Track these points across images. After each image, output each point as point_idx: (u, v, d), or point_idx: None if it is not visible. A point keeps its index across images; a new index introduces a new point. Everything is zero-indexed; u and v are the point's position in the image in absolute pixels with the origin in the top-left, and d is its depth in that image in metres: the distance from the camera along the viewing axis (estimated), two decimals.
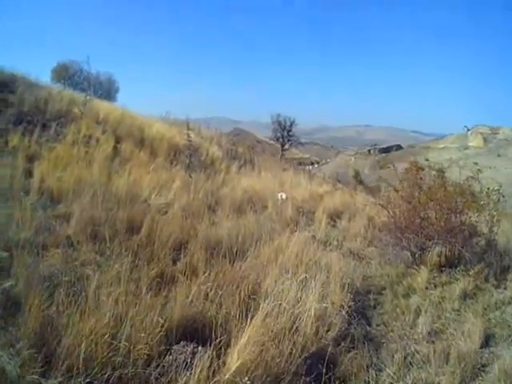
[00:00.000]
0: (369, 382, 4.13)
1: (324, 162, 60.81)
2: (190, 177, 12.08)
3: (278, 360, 3.75)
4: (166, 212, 8.46)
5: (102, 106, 17.15)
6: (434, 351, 4.72)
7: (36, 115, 12.17)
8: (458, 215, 7.83)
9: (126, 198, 8.16)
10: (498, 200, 8.01)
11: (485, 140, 50.62)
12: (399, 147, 60.38)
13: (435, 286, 6.96)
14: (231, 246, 6.71)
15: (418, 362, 4.59)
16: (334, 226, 11.05)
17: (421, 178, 8.29)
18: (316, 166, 56.25)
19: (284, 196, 12.66)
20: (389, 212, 8.40)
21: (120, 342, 3.56)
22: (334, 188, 20.38)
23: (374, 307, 6.22)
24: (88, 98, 15.06)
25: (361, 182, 31.35)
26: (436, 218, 7.79)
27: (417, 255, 7.77)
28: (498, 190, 8.10)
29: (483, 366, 4.63)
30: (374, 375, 4.24)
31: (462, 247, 7.64)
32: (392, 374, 4.22)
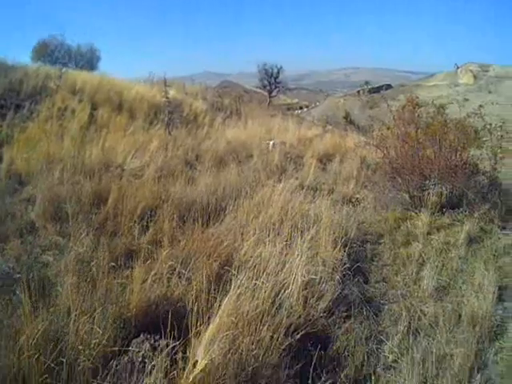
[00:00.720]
0: (368, 359, 3.44)
1: (313, 105, 59.35)
2: (170, 134, 11.26)
3: (255, 351, 3.01)
4: (142, 176, 7.82)
5: (80, 76, 16.15)
6: (443, 312, 4.07)
7: (10, 97, 11.50)
8: (458, 153, 7.04)
9: (98, 167, 7.55)
10: (502, 136, 7.14)
11: (475, 77, 49.45)
12: (389, 86, 58.94)
13: (437, 230, 6.28)
14: (208, 206, 6.02)
15: (425, 327, 3.91)
16: (324, 169, 10.31)
17: (418, 116, 7.42)
18: (305, 109, 54.99)
19: (273, 143, 11.90)
20: (383, 152, 7.57)
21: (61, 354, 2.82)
22: (324, 130, 19.55)
23: (372, 259, 5.52)
24: (63, 70, 14.10)
25: (351, 122, 30.44)
26: (435, 157, 6.98)
27: (415, 197, 7.01)
28: (501, 126, 7.23)
29: (500, 327, 3.97)
30: (375, 349, 3.57)
31: (464, 187, 6.92)
32: (395, 348, 3.52)
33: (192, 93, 21.38)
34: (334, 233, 5.28)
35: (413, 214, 6.80)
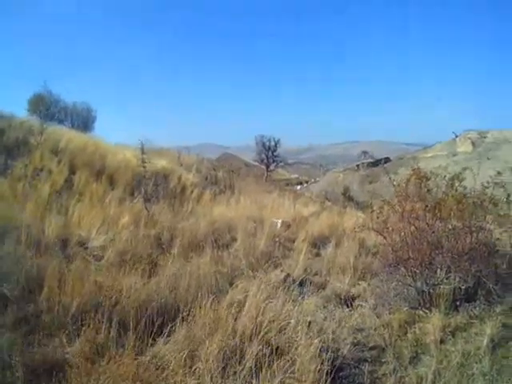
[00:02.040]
0: None
1: (313, 180, 58.73)
2: (147, 210, 9.99)
3: None
4: (102, 258, 6.74)
5: (65, 134, 15.27)
6: None
7: None
8: (475, 233, 5.74)
9: (56, 241, 6.68)
10: None
11: (473, 144, 49.02)
12: (388, 160, 58.48)
13: (452, 335, 4.91)
14: (164, 307, 4.71)
15: None
16: (317, 254, 9.04)
17: (428, 190, 6.20)
18: (305, 185, 54.31)
19: (280, 223, 10.75)
20: (384, 237, 6.28)
21: None
22: (322, 207, 18.45)
23: None
24: (45, 125, 13.16)
25: (350, 199, 29.42)
26: (449, 241, 5.69)
27: (424, 292, 5.64)
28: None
29: None
30: None
31: (481, 272, 5.60)
32: None
33: (187, 164, 20.50)
34: (318, 355, 3.92)
35: (421, 313, 5.48)
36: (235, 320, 4.48)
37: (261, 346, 3.93)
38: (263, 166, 44.34)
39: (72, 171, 11.57)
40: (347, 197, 30.89)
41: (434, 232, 5.75)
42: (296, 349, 4.10)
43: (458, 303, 5.50)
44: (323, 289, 6.54)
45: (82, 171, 11.62)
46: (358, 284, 6.96)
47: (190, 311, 4.55)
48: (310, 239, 9.96)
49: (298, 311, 5.09)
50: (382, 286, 6.04)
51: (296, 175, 67.28)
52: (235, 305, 4.84)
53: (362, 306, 5.90)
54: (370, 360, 4.49)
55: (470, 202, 5.80)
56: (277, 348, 4.15)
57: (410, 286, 5.78)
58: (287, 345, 4.20)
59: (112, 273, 5.78)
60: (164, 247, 7.78)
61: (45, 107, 23.96)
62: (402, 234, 6.01)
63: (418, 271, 5.68)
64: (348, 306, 5.91)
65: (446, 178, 6.20)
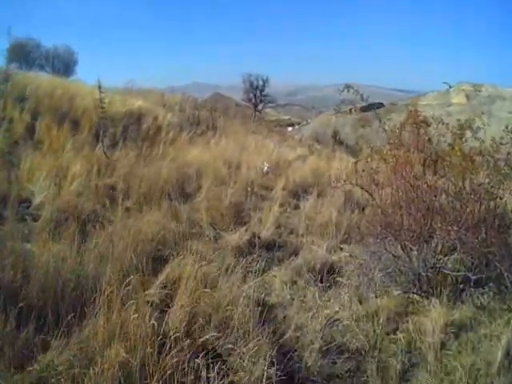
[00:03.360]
0: None
1: (304, 122, 56.78)
2: (106, 155, 8.50)
3: None
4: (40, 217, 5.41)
5: (35, 79, 13.45)
6: None
7: None
8: (485, 201, 4.33)
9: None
10: None
11: (467, 97, 47.51)
12: (381, 105, 56.41)
13: (456, 337, 3.62)
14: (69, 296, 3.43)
15: None
16: (296, 207, 7.70)
17: (429, 139, 4.70)
18: (296, 127, 52.46)
19: (267, 168, 9.37)
20: (372, 197, 4.90)
21: None
22: (310, 151, 17.05)
23: None
24: (9, 71, 11.43)
25: (340, 142, 27.96)
26: (454, 209, 4.31)
27: (422, 276, 4.31)
28: None
29: None
30: None
31: (491, 251, 4.22)
32: None
33: (171, 104, 18.78)
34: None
35: (418, 299, 4.20)
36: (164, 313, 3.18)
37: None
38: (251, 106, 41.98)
39: (35, 118, 9.98)
40: (337, 140, 29.40)
41: (435, 195, 4.35)
42: (241, 358, 2.83)
43: (462, 288, 4.21)
44: (296, 255, 5.22)
45: (44, 117, 10.02)
46: (340, 249, 5.71)
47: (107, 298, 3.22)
48: (290, 187, 8.70)
49: (254, 291, 3.79)
50: (369, 258, 4.67)
51: (288, 116, 65.25)
52: (168, 287, 3.53)
53: (341, 284, 4.60)
54: (343, 376, 3.20)
55: (482, 160, 4.36)
56: (215, 356, 2.88)
57: (403, 265, 4.44)
58: (227, 351, 2.92)
59: (42, 238, 4.47)
60: (116, 199, 6.39)
61: (25, 53, 22.34)
62: (395, 192, 4.62)
63: (413, 247, 4.32)
64: (324, 282, 4.60)
65: (452, 126, 4.72)
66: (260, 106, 42.02)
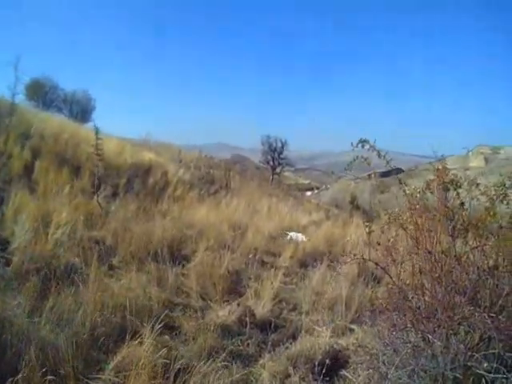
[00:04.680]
0: None
1: (324, 187, 56.44)
2: (99, 205, 7.83)
3: None
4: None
5: (44, 119, 13.23)
6: None
7: None
8: None
9: None
10: None
11: (486, 160, 46.88)
12: (400, 170, 55.98)
13: None
14: None
15: None
16: (303, 277, 6.75)
17: (462, 204, 3.76)
18: (315, 191, 52.02)
19: (301, 239, 8.51)
20: (386, 272, 3.98)
21: None
22: (326, 215, 16.24)
23: None
24: (14, 105, 11.14)
25: (358, 207, 27.02)
26: (488, 288, 3.38)
27: (449, 377, 3.30)
28: None
29: None
30: None
31: None
32: None
33: (187, 162, 18.42)
34: None
35: None
36: None
37: None
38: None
39: (35, 158, 9.52)
40: (355, 205, 28.51)
41: (467, 273, 3.43)
42: None
43: None
44: (295, 339, 4.29)
45: (45, 158, 9.56)
46: (350, 330, 4.74)
47: None
48: (299, 255, 7.80)
49: None
50: (382, 349, 3.70)
51: (307, 181, 65.06)
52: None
53: (346, 379, 3.64)
54: None
55: None
56: None
57: (425, 362, 3.45)
58: None
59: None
60: (100, 255, 5.64)
61: (42, 93, 22.39)
62: (415, 268, 3.71)
63: (438, 340, 3.36)
64: (324, 377, 3.64)
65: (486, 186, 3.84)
66: (278, 169, 41.54)
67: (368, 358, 3.88)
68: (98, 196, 8.16)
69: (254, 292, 5.20)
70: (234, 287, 5.56)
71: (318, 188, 57.86)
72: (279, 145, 41.51)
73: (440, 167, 3.75)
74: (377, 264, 3.94)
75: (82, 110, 25.59)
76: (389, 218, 4.00)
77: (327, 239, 9.50)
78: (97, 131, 8.21)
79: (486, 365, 3.33)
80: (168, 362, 3.09)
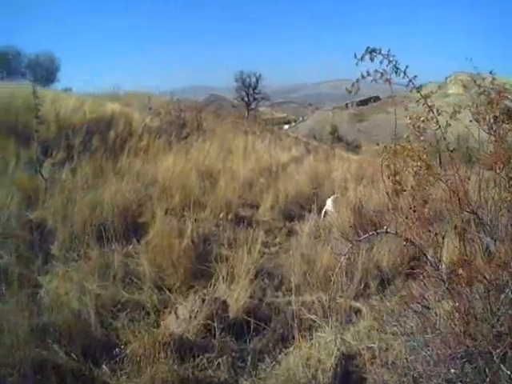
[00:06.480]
0: None
1: (301, 119, 55.00)
2: (43, 178, 6.21)
3: None
4: None
5: None
6: None
7: None
8: None
9: None
10: None
11: (465, 87, 45.96)
12: (377, 98, 54.56)
13: None
14: None
15: None
16: (289, 233, 5.43)
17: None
18: (293, 124, 50.61)
19: (331, 206, 6.20)
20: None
21: None
22: (307, 149, 14.99)
23: None
24: None
25: (339, 139, 25.81)
26: None
27: None
28: None
29: None
30: None
31: None
32: None
33: (158, 108, 16.71)
34: None
35: None
36: None
37: None
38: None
39: None
40: (336, 137, 27.27)
41: None
42: None
43: None
44: (284, 342, 2.96)
45: None
46: (356, 313, 3.44)
47: None
48: (281, 204, 6.44)
49: None
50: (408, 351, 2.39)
51: (284, 114, 63.26)
52: None
53: None
54: None
55: None
56: None
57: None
58: None
59: None
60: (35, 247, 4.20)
61: (5, 62, 21.13)
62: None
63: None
64: None
65: None
66: (253, 105, 39.53)
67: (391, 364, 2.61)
68: (40, 166, 6.50)
69: (226, 271, 3.80)
70: (201, 264, 4.15)
71: (295, 121, 56.43)
72: (253, 80, 39.34)
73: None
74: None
75: (47, 73, 23.89)
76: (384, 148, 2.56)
77: (311, 178, 8.19)
78: (34, 91, 6.53)
79: None
80: None
